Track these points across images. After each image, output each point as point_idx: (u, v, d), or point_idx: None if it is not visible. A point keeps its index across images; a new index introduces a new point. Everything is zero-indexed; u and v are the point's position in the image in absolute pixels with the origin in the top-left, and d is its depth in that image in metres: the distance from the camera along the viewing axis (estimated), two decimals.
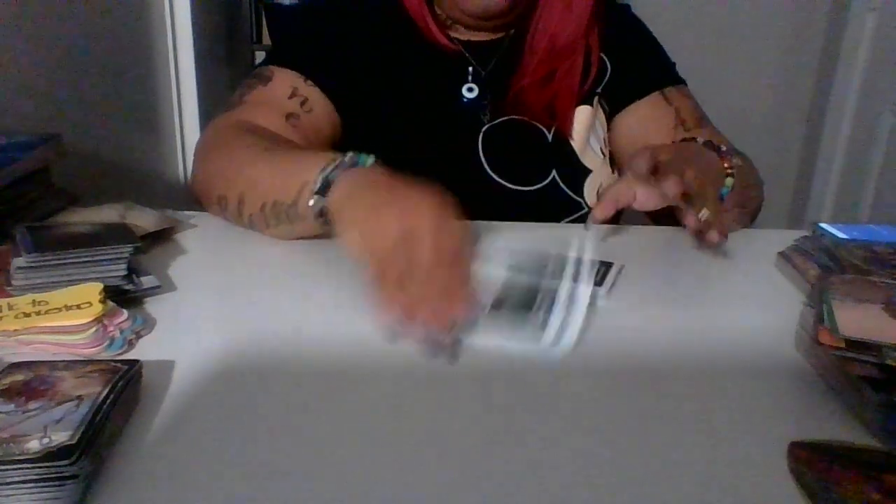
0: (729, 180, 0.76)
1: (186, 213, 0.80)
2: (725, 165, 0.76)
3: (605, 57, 0.93)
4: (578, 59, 0.89)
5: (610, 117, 0.95)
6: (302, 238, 0.70)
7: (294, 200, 0.64)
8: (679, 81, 0.94)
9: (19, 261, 0.57)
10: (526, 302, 0.56)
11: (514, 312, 0.55)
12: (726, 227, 0.69)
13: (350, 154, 0.62)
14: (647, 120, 0.92)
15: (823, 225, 0.74)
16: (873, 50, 2.01)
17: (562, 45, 0.89)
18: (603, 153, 0.93)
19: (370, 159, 0.62)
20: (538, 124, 0.90)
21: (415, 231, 0.53)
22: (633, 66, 0.93)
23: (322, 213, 0.61)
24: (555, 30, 0.88)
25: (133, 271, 0.59)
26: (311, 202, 0.61)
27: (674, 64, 0.96)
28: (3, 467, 0.35)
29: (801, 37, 2.23)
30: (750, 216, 0.86)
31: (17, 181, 0.70)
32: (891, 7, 1.94)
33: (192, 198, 0.83)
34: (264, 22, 2.06)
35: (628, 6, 1.00)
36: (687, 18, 2.05)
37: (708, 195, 0.70)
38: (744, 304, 0.65)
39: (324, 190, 0.60)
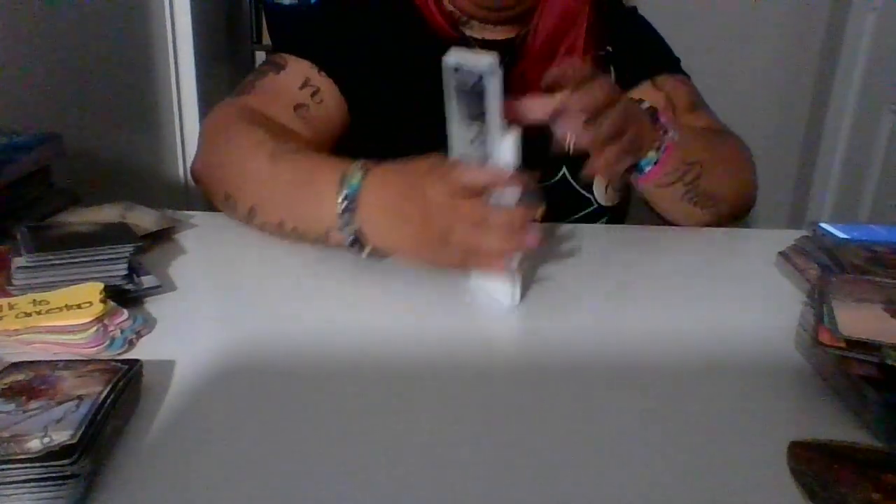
0: (652, 154, 0.74)
1: (186, 213, 0.80)
2: (654, 138, 0.73)
3: (610, 50, 0.92)
4: (579, 40, 0.88)
5: None
6: None
7: (323, 235, 0.67)
8: (676, 71, 0.93)
9: (20, 261, 0.57)
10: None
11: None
12: (606, 170, 0.67)
13: (345, 190, 0.64)
14: None
15: (823, 225, 0.74)
16: (873, 50, 2.01)
17: (564, 22, 0.88)
18: None
19: (357, 175, 0.64)
20: None
21: (429, 207, 0.59)
22: (628, 58, 0.93)
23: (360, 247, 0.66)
24: (559, 9, 0.88)
25: (133, 271, 0.59)
26: (349, 245, 0.65)
27: (677, 59, 0.95)
28: (3, 467, 0.35)
29: (801, 37, 2.23)
30: (698, 198, 0.81)
31: (17, 181, 0.70)
32: (891, 7, 1.93)
33: (193, 180, 0.82)
34: (264, 22, 2.06)
35: (635, 8, 1.00)
36: (686, 18, 2.05)
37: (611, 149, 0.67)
38: (744, 304, 0.65)
39: (355, 241, 0.65)
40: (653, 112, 0.76)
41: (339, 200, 0.64)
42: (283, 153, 0.71)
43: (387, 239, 0.64)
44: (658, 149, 0.74)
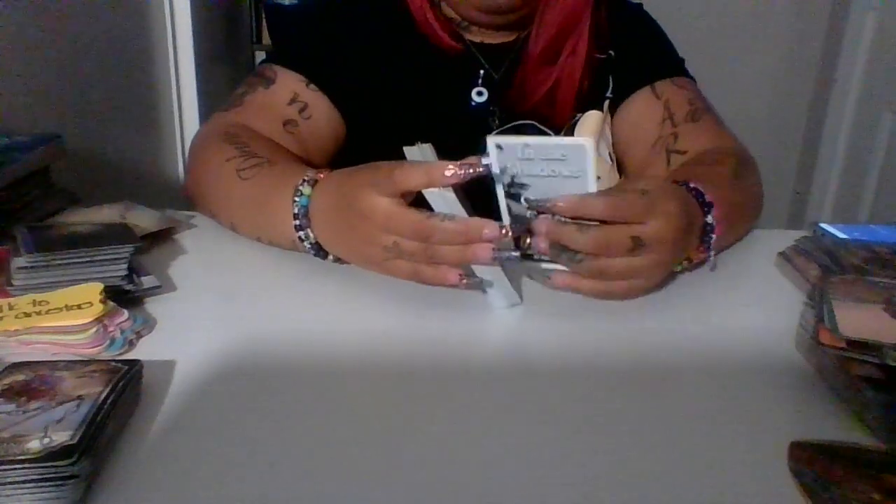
0: (678, 267, 0.65)
1: (186, 213, 0.80)
2: (692, 256, 0.65)
3: (612, 54, 0.91)
4: (582, 43, 0.87)
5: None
6: None
7: (292, 246, 0.67)
8: (678, 73, 0.90)
9: (19, 261, 0.57)
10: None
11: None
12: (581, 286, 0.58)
13: (295, 208, 0.64)
14: (636, 117, 0.89)
15: (823, 225, 0.74)
16: (873, 50, 2.01)
17: (566, 25, 0.86)
18: (611, 158, 0.92)
19: (307, 189, 0.64)
20: (547, 129, 0.89)
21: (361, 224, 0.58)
22: (629, 63, 0.91)
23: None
24: (561, 11, 0.86)
25: (133, 271, 0.59)
26: (314, 256, 0.66)
27: (680, 59, 0.93)
28: (3, 467, 0.35)
29: (801, 37, 2.23)
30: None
31: (17, 181, 0.70)
32: (891, 7, 1.94)
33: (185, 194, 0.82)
34: (264, 22, 2.06)
35: (640, 5, 0.99)
36: (687, 19, 2.06)
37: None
38: (744, 304, 0.65)
39: (319, 252, 0.66)
40: (709, 227, 0.64)
41: (293, 217, 0.64)
42: (248, 169, 0.71)
43: (339, 251, 0.64)
44: (688, 261, 0.65)
